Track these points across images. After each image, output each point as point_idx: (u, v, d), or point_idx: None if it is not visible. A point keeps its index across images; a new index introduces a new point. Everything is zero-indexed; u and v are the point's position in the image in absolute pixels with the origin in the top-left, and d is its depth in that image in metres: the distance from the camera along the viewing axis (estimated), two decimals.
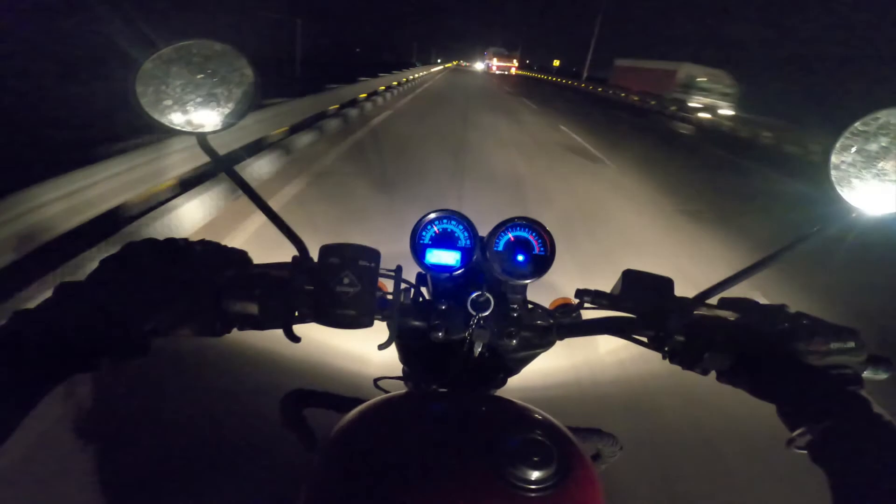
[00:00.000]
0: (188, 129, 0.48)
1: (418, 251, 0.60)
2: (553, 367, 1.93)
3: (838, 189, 0.44)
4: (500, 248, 0.61)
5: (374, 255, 0.49)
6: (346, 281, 0.47)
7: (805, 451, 0.39)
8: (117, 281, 0.40)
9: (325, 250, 0.48)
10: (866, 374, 0.44)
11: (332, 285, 0.47)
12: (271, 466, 1.32)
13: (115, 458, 1.32)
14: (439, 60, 69.18)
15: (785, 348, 0.44)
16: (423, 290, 0.65)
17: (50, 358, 0.33)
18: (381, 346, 0.50)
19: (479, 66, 70.86)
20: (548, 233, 0.61)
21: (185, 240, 0.47)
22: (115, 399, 1.39)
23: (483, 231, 0.62)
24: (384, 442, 0.44)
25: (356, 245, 0.49)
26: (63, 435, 1.30)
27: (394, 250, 0.62)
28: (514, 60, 55.39)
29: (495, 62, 54.11)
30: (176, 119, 0.48)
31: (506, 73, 50.66)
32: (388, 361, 0.65)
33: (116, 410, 1.43)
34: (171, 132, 0.48)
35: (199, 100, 0.48)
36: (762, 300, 0.49)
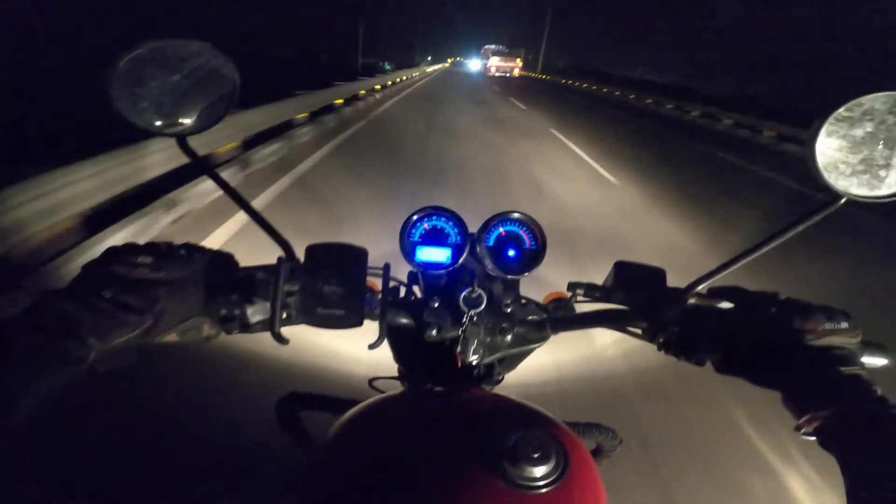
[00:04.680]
0: (166, 131, 0.47)
1: (408, 249, 0.60)
2: (552, 361, 1.92)
3: (825, 175, 0.43)
4: (491, 243, 0.60)
5: (361, 253, 0.49)
6: (332, 281, 0.47)
7: (813, 438, 0.39)
8: (99, 288, 0.39)
9: (312, 250, 0.48)
10: (864, 360, 0.43)
11: (319, 285, 0.47)
12: (266, 469, 1.32)
13: (107, 464, 1.32)
14: (430, 58, 59.49)
15: (779, 333, 0.43)
16: (416, 288, 0.64)
17: (31, 367, 0.33)
18: (372, 346, 0.49)
19: (474, 65, 57.55)
20: (538, 226, 0.60)
21: (168, 243, 0.46)
22: (105, 406, 1.40)
23: (473, 227, 0.61)
24: (380, 442, 0.44)
25: (342, 244, 0.49)
26: (53, 442, 1.30)
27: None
28: (518, 60, 41.35)
29: (494, 62, 40.50)
30: (153, 121, 0.47)
31: (507, 74, 38.62)
32: (383, 361, 0.65)
33: (107, 417, 1.43)
34: (148, 134, 0.47)
35: (176, 101, 0.47)
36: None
